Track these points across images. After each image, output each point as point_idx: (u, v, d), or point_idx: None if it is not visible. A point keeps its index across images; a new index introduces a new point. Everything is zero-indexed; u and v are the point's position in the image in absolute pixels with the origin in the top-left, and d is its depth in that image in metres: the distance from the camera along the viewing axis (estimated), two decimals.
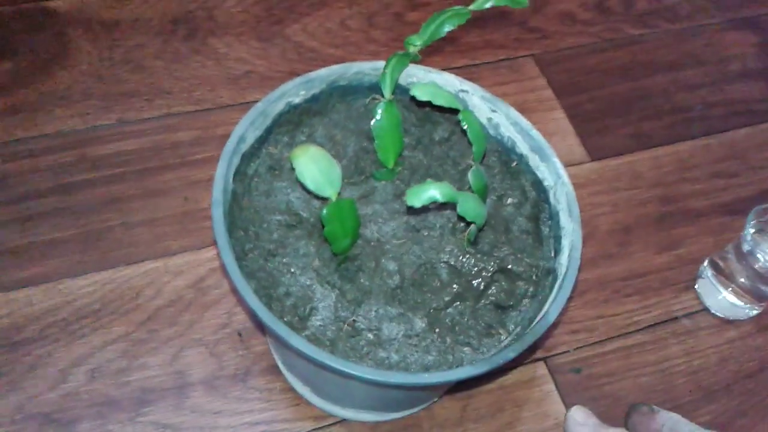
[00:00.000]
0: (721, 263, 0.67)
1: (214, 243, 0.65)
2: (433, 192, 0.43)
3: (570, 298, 0.67)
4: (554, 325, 0.65)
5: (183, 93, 0.75)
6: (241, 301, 0.63)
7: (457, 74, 0.58)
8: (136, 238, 0.66)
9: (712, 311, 0.68)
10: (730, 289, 0.66)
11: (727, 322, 0.68)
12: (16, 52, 0.76)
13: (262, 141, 0.54)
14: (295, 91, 0.54)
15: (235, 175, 0.51)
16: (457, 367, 0.48)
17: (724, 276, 0.66)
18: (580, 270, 0.68)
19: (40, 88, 0.73)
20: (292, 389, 0.60)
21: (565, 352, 0.64)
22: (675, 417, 0.52)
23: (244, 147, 0.52)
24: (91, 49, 0.77)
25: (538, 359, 0.64)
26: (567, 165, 0.75)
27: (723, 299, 0.67)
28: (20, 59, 0.75)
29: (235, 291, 0.64)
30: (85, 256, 0.64)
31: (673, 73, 0.86)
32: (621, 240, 0.72)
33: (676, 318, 0.68)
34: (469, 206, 0.45)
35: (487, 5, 0.49)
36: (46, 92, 0.73)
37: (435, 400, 0.60)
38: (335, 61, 0.77)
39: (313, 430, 0.58)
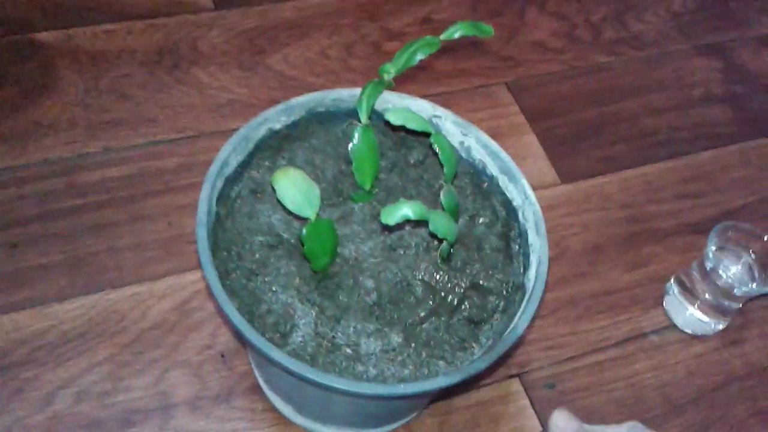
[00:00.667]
0: (686, 280, 0.69)
1: (198, 266, 0.67)
2: (405, 210, 0.46)
3: (542, 315, 0.70)
4: (524, 338, 0.68)
5: (167, 121, 0.77)
6: (224, 321, 0.65)
7: (432, 101, 0.61)
8: (122, 263, 0.67)
9: (680, 327, 0.70)
10: (696, 305, 0.69)
11: (694, 338, 0.70)
12: (4, 82, 0.78)
13: (244, 165, 0.56)
14: (276, 118, 0.57)
15: (218, 198, 0.53)
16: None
17: (690, 293, 0.69)
18: (552, 289, 0.71)
19: (28, 118, 0.75)
20: (274, 409, 0.61)
21: (538, 368, 0.67)
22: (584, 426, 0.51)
23: (227, 171, 0.54)
24: (77, 79, 0.79)
25: (513, 375, 0.66)
26: (538, 188, 0.78)
27: (690, 315, 0.69)
28: (7, 89, 0.77)
29: (218, 311, 0.66)
30: (71, 280, 0.66)
31: (640, 98, 0.89)
32: (591, 259, 0.74)
33: (645, 334, 0.70)
34: (441, 224, 0.47)
35: (456, 35, 0.52)
36: (33, 121, 0.75)
37: (414, 415, 0.62)
38: (315, 89, 0.79)
39: None
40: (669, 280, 0.72)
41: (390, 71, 0.53)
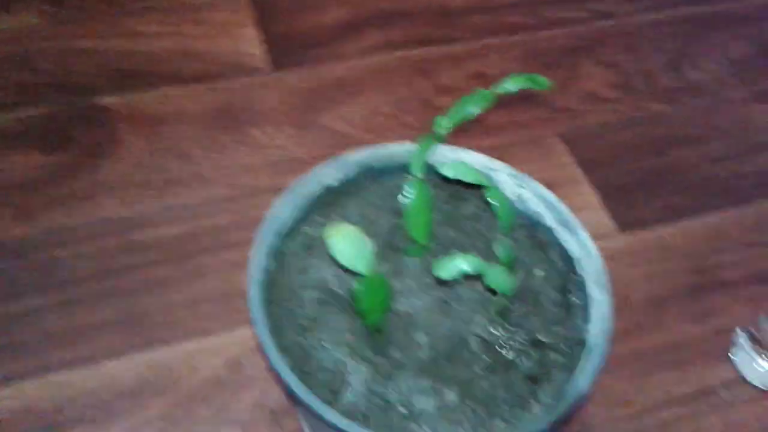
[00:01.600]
0: (756, 332, 0.66)
1: (250, 322, 0.67)
2: (461, 264, 0.45)
3: (605, 371, 0.67)
4: (588, 398, 0.65)
5: (223, 179, 0.78)
6: (276, 378, 0.64)
7: (485, 154, 0.60)
8: (175, 320, 0.68)
9: (751, 382, 0.67)
10: (767, 358, 0.66)
11: (767, 393, 0.67)
12: (68, 146, 0.80)
13: (297, 221, 0.56)
14: (329, 173, 0.57)
15: (271, 255, 0.53)
16: None
17: (760, 345, 0.66)
18: (614, 342, 0.69)
19: (87, 179, 0.77)
20: None
21: (602, 428, 0.64)
22: None
23: (280, 227, 0.54)
24: (136, 140, 0.81)
25: None
26: (597, 239, 0.76)
27: (761, 369, 0.66)
28: (70, 152, 0.80)
29: (270, 368, 0.65)
30: (124, 337, 0.66)
31: (699, 146, 0.87)
32: (655, 311, 0.71)
33: (714, 389, 0.67)
34: (497, 277, 0.46)
35: (512, 88, 0.51)
36: (94, 182, 0.77)
37: None
38: (369, 145, 0.80)
39: None
40: (737, 332, 0.69)
41: (445, 126, 0.52)
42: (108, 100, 0.85)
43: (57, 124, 0.82)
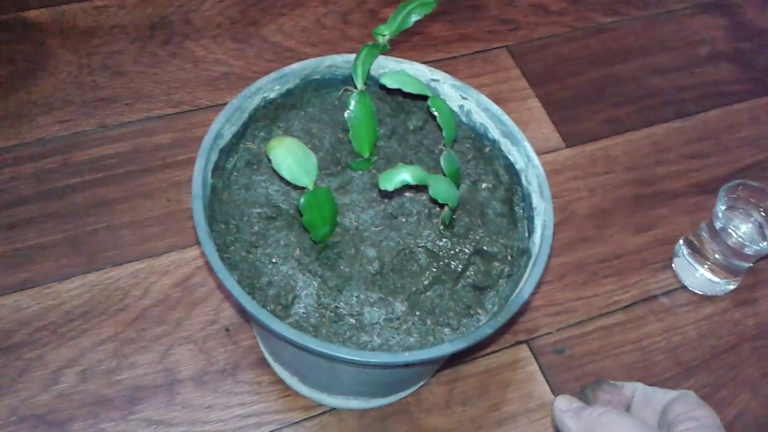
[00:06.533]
0: (695, 241, 0.68)
1: (197, 240, 0.67)
2: (404, 175, 0.44)
3: (549, 281, 0.69)
4: (532, 304, 0.67)
5: (162, 96, 0.76)
6: (227, 295, 0.64)
7: (432, 67, 0.59)
8: (122, 240, 0.67)
9: (690, 288, 0.69)
10: (706, 266, 0.68)
11: (705, 299, 0.69)
12: None
13: (239, 136, 0.55)
14: (270, 86, 0.56)
15: (214, 171, 0.52)
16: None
17: (700, 254, 0.68)
18: (559, 254, 0.70)
19: (21, 97, 0.74)
20: (281, 381, 0.61)
21: (547, 334, 0.66)
22: (639, 385, 0.51)
23: (222, 142, 0.53)
24: (70, 57, 0.78)
25: (521, 341, 0.65)
26: (543, 152, 0.77)
27: (700, 276, 0.68)
28: (0, 69, 0.76)
29: (220, 286, 0.65)
30: (71, 259, 0.65)
31: (644, 58, 0.87)
32: (598, 223, 0.73)
33: (654, 296, 0.69)
34: (441, 188, 0.46)
35: None
36: (27, 101, 0.74)
37: (422, 383, 0.61)
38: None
39: (303, 420, 0.59)
40: (678, 241, 0.71)
41: (384, 33, 0.51)
42: (36, 13, 0.81)
43: None
